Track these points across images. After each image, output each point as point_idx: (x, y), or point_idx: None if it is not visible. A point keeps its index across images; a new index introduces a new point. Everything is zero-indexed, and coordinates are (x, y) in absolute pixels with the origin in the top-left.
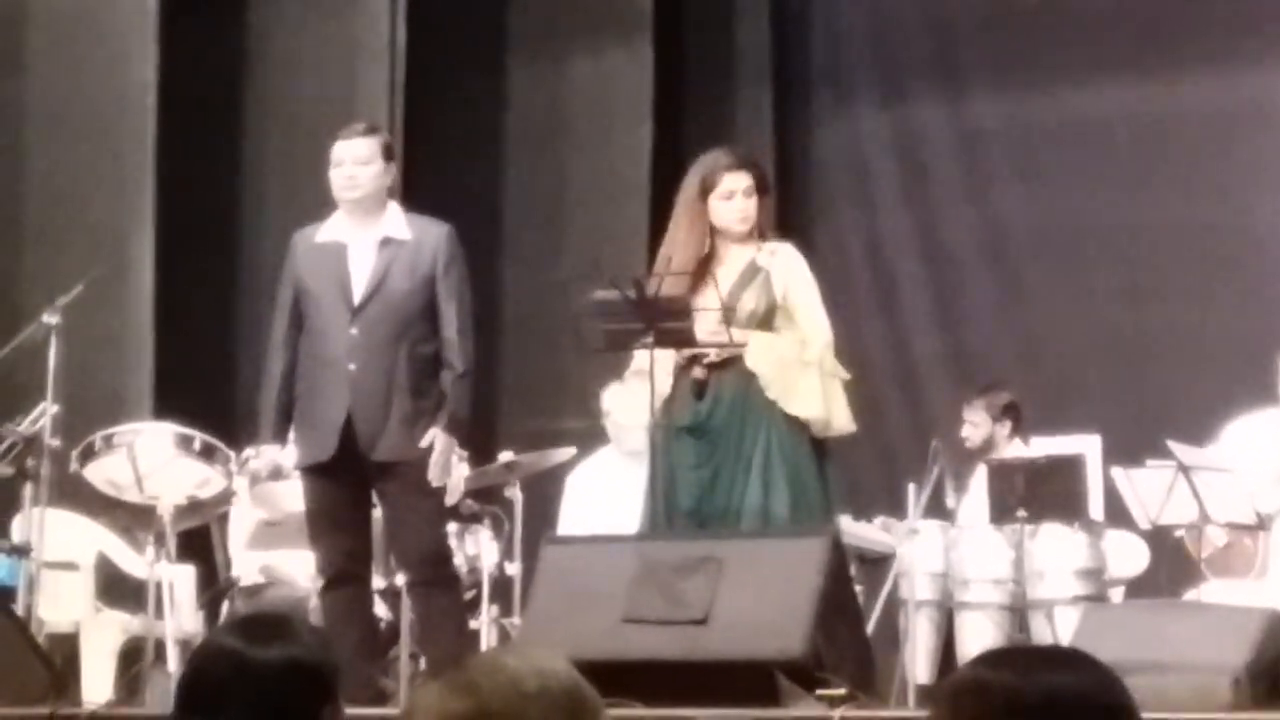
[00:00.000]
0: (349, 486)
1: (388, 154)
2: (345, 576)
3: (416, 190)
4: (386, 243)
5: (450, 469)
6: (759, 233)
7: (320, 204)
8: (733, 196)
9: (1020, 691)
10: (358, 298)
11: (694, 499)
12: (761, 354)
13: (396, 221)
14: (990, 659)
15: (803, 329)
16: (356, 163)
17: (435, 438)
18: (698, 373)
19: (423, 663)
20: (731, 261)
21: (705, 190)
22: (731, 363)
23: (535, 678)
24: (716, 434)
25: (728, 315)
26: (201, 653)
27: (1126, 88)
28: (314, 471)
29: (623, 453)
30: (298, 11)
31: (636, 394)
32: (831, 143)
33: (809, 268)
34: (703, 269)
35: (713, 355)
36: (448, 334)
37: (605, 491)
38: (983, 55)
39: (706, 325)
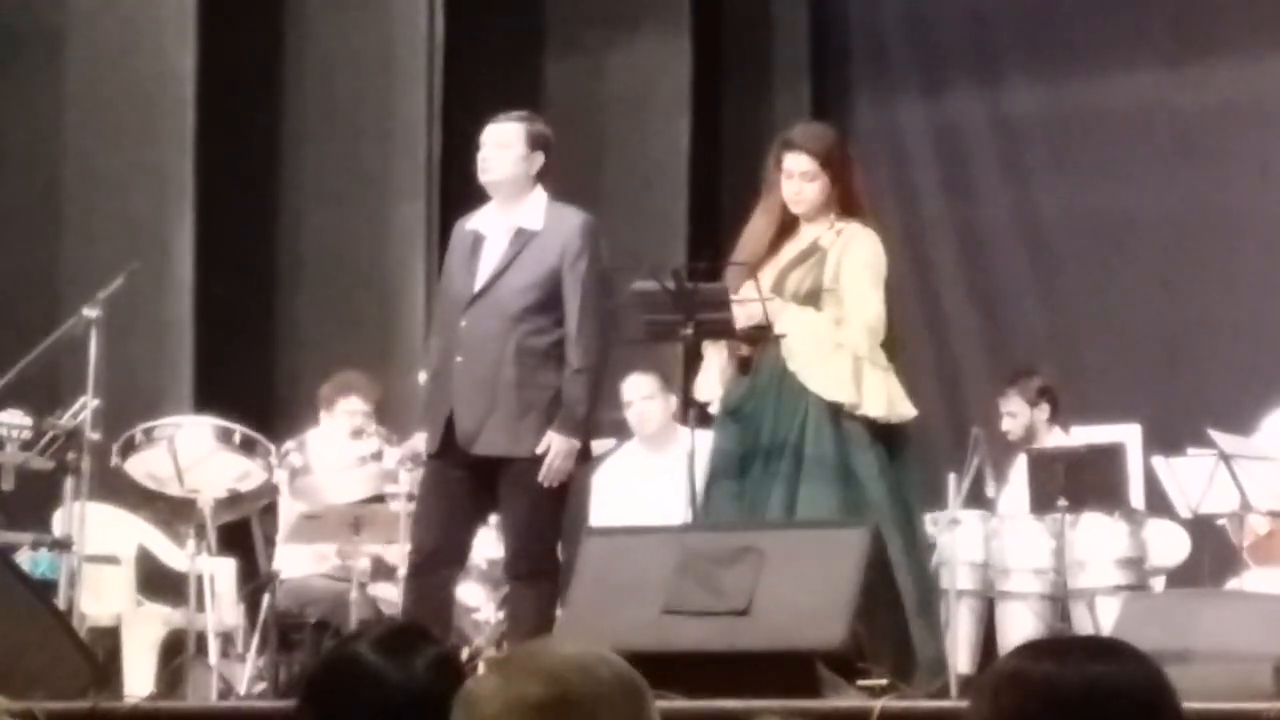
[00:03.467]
0: (452, 482)
1: (534, 142)
2: (419, 571)
3: (454, 181)
4: (520, 233)
5: (564, 472)
6: (838, 211)
7: (358, 193)
8: (791, 177)
9: (1061, 682)
10: (475, 289)
11: (733, 485)
12: (790, 326)
13: (534, 211)
14: (1030, 649)
15: (845, 310)
16: (495, 146)
17: (550, 440)
18: (743, 349)
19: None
20: (801, 237)
21: (776, 164)
22: (769, 342)
23: (603, 666)
24: (752, 415)
25: (765, 300)
26: (338, 662)
27: (1164, 75)
28: (429, 460)
29: (645, 442)
30: (336, 3)
31: (709, 372)
32: (869, 131)
33: (876, 252)
34: (779, 241)
35: (743, 320)
36: (570, 328)
37: (630, 484)
38: (1020, 44)
39: (745, 309)
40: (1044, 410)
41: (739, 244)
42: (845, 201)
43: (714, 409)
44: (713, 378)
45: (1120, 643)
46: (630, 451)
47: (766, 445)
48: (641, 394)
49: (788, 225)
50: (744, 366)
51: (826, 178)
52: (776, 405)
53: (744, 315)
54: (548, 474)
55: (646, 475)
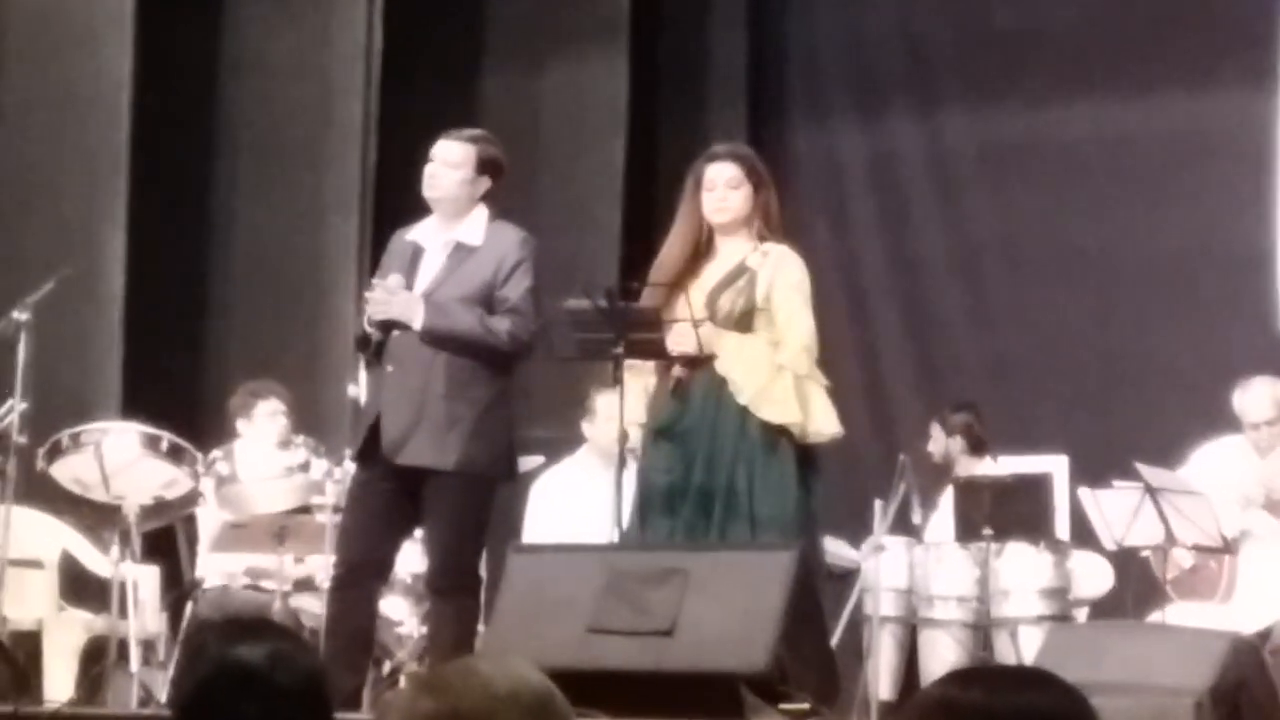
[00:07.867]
0: (378, 494)
1: (483, 167)
2: (343, 582)
3: (390, 194)
4: (459, 248)
5: (384, 307)
6: (760, 231)
7: (291, 203)
8: (713, 188)
9: (989, 711)
10: None
11: (666, 505)
12: (731, 357)
13: (474, 227)
14: (959, 678)
15: (779, 331)
16: (444, 163)
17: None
18: (677, 371)
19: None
20: (723, 258)
21: (696, 184)
22: (703, 364)
23: (507, 682)
24: (686, 436)
25: (697, 323)
26: (210, 665)
27: (1098, 108)
28: (356, 470)
29: (601, 455)
30: (274, 13)
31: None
32: (805, 156)
33: (804, 272)
34: (695, 264)
35: (677, 346)
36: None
37: (571, 500)
38: (956, 73)
39: (679, 330)
40: (959, 442)
41: (656, 265)
42: (766, 217)
43: (634, 434)
44: (636, 405)
45: (1048, 674)
46: (571, 466)
47: (705, 465)
48: (611, 412)
49: (705, 246)
50: (678, 388)
51: (750, 187)
52: (714, 425)
53: (677, 340)
54: (373, 305)
55: (587, 490)
